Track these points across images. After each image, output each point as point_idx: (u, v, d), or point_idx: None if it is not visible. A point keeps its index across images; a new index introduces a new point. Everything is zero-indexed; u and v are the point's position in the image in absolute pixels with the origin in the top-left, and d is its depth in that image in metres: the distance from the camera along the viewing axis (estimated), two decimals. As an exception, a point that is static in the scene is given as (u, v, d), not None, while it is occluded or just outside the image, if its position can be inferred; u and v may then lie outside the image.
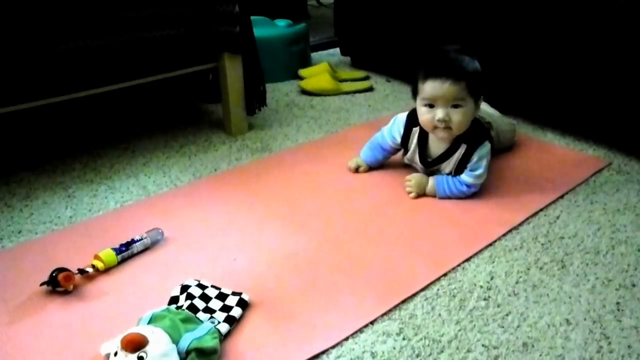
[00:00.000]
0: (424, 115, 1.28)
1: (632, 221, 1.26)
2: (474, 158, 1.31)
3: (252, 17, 1.70)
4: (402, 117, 1.40)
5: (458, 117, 1.25)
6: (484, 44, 1.78)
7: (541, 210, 1.31)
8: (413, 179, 1.37)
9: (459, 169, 1.34)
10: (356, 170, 1.47)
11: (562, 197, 1.36)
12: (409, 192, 1.36)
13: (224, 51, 1.61)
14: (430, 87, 1.24)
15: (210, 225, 1.26)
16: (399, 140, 1.40)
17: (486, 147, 1.33)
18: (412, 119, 1.36)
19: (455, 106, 1.25)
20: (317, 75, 2.16)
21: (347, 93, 2.11)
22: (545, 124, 1.75)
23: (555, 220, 1.27)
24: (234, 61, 1.64)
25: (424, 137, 1.36)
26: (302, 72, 2.23)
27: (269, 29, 2.26)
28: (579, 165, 1.51)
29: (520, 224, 1.26)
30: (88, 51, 1.39)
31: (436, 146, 1.36)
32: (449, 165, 1.36)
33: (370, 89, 2.14)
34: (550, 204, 1.33)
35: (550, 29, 1.59)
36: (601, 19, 1.47)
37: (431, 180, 1.36)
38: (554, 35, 1.59)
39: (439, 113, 1.25)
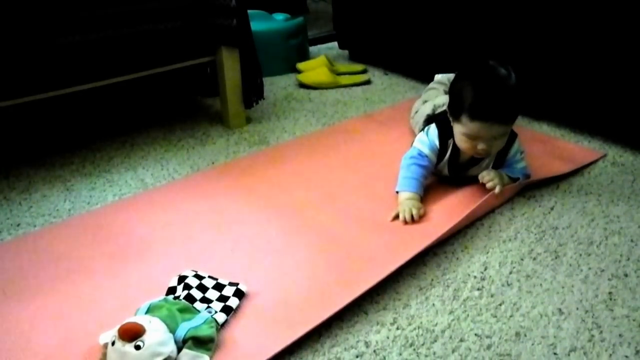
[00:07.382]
0: (464, 143, 1.23)
1: (626, 212, 1.27)
2: (517, 156, 1.31)
3: (250, 11, 1.70)
4: (433, 131, 1.32)
5: (499, 144, 1.24)
6: (479, 35, 1.79)
7: (535, 201, 1.32)
8: (492, 173, 1.27)
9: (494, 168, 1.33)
10: (418, 216, 1.24)
11: (556, 187, 1.37)
12: (491, 187, 1.25)
13: (222, 44, 1.62)
14: (476, 127, 1.18)
15: (207, 217, 1.28)
16: (437, 152, 1.33)
17: (516, 144, 1.31)
18: (445, 131, 1.30)
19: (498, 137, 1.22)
20: (314, 68, 2.16)
21: (344, 86, 2.12)
22: (540, 115, 1.75)
23: (550, 211, 1.28)
24: (231, 54, 1.65)
25: (457, 148, 1.30)
26: (300, 65, 2.23)
27: (267, 22, 2.26)
28: (574, 156, 1.51)
29: (515, 215, 1.27)
30: (86, 45, 1.39)
31: (468, 153, 1.31)
32: (479, 169, 1.33)
33: (367, 82, 2.15)
34: (544, 194, 1.34)
35: (545, 21, 1.60)
36: (596, 11, 1.47)
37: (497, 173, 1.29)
38: (549, 27, 1.59)
39: (481, 144, 1.20)
